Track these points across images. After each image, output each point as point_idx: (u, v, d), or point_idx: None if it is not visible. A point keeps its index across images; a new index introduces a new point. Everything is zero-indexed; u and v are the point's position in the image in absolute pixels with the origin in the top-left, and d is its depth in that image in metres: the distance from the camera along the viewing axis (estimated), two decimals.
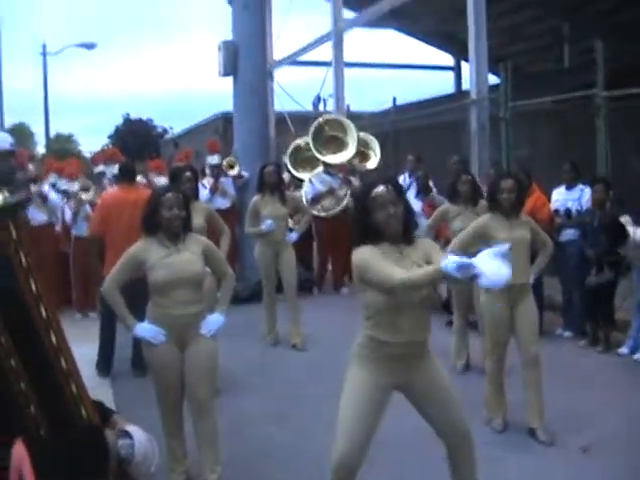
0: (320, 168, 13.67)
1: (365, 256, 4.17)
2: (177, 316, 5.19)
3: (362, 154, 14.20)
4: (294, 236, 9.78)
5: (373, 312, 4.25)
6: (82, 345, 8.56)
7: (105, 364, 8.67)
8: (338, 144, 13.61)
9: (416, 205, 10.52)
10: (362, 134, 14.27)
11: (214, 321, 5.38)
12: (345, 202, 13.07)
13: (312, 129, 13.62)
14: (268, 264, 9.59)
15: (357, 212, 4.54)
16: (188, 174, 7.76)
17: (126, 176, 9.02)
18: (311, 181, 13.50)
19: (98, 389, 7.35)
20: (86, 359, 8.26)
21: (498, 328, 6.35)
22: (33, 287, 1.79)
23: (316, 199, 13.21)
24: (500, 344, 6.40)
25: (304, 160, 14.15)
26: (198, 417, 5.32)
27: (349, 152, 13.51)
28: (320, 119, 14.03)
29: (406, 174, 12.67)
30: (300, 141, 14.31)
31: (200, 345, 5.29)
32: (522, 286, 6.26)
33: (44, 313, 1.82)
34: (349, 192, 13.03)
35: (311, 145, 13.44)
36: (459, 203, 8.34)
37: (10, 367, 1.86)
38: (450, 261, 3.64)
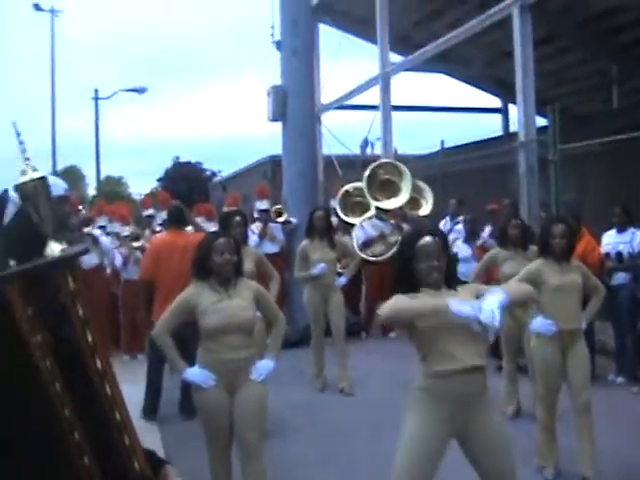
0: (371, 212, 13.67)
1: (393, 303, 4.22)
2: (227, 361, 5.20)
3: (414, 200, 14.16)
4: (343, 280, 9.80)
5: (427, 347, 4.24)
6: (129, 387, 8.64)
7: (152, 408, 8.71)
8: (392, 189, 13.59)
9: (465, 250, 10.50)
10: (415, 180, 14.23)
11: (264, 366, 5.40)
12: (395, 248, 13.05)
13: (367, 173, 13.62)
14: (317, 308, 9.60)
15: (400, 259, 4.56)
16: (238, 219, 7.84)
17: (175, 221, 9.10)
18: (362, 226, 13.49)
19: (146, 432, 7.39)
20: (133, 401, 8.32)
21: (549, 374, 6.28)
22: (89, 338, 1.81)
23: (367, 244, 13.19)
24: (552, 390, 6.32)
25: (354, 205, 14.14)
26: (247, 461, 5.32)
27: (402, 197, 13.48)
28: (375, 163, 14.03)
29: (447, 218, 12.65)
30: (349, 187, 14.34)
31: (250, 389, 5.30)
32: (574, 331, 6.21)
33: (99, 364, 1.84)
34: (400, 239, 13.01)
35: (365, 189, 13.44)
36: (509, 247, 8.29)
37: (64, 417, 1.88)
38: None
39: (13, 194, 1.98)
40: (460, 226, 12.31)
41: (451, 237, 11.73)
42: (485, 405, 4.34)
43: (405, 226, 13.36)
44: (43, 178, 1.79)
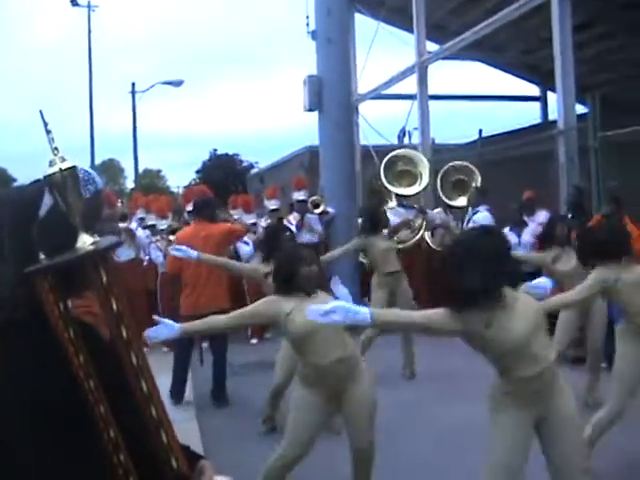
0: (392, 203, 13.67)
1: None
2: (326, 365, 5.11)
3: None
4: None
5: (503, 359, 4.16)
6: (167, 379, 8.69)
7: (178, 390, 8.75)
8: (411, 177, 13.58)
9: (512, 238, 10.42)
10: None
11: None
12: (421, 232, 13.03)
13: (382, 164, 13.63)
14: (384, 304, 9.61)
15: (451, 265, 4.33)
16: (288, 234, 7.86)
17: (199, 213, 9.17)
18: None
19: (184, 424, 7.41)
20: (167, 392, 8.40)
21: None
22: (124, 333, 1.77)
23: (392, 231, 13.16)
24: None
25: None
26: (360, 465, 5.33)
27: (422, 183, 13.48)
28: (389, 156, 14.04)
29: (470, 208, 12.56)
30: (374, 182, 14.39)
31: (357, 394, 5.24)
32: None
33: (135, 360, 1.80)
34: (424, 222, 13.00)
35: (382, 179, 13.45)
36: (555, 246, 8.14)
37: (99, 414, 1.85)
38: None
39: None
40: (479, 215, 12.11)
41: (470, 226, 11.64)
42: (558, 390, 4.25)
43: (432, 211, 13.37)
44: (72, 168, 1.75)
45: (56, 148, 1.73)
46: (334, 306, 3.94)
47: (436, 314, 4.11)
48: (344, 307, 3.94)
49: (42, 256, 1.77)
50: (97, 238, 1.78)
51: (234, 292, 12.52)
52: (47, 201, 1.91)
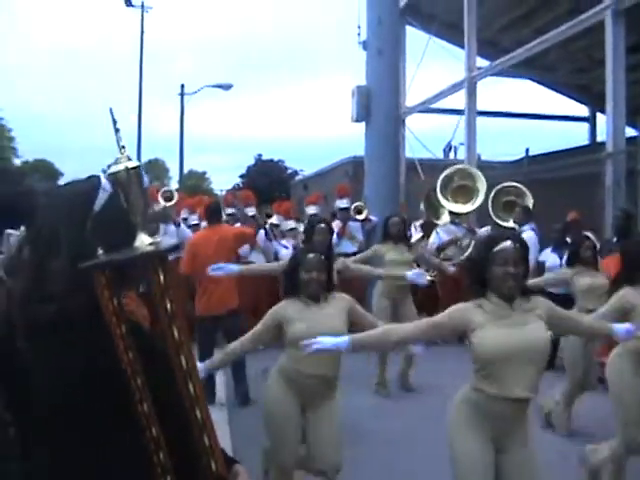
0: (445, 219, 13.58)
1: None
2: (307, 375, 5.14)
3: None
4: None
5: (481, 364, 4.12)
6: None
7: (208, 391, 8.83)
8: (467, 194, 13.45)
9: (553, 259, 10.34)
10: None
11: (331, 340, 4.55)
12: (469, 252, 12.94)
13: (441, 179, 13.52)
14: (386, 313, 9.51)
15: (476, 261, 4.38)
16: (322, 226, 7.61)
17: (212, 217, 9.39)
18: (437, 232, 13.41)
19: (217, 426, 7.41)
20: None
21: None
22: (175, 334, 1.79)
23: (440, 248, 13.11)
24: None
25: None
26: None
27: (477, 202, 13.34)
28: (450, 169, 13.91)
29: (516, 227, 12.48)
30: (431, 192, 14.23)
31: (326, 408, 5.25)
32: None
33: (184, 362, 1.81)
34: (473, 242, 12.92)
35: (439, 194, 13.35)
36: (579, 265, 8.06)
37: (143, 412, 1.86)
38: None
39: (105, 181, 1.97)
40: (523, 235, 12.01)
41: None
42: (524, 433, 4.20)
43: (480, 230, 13.24)
44: (137, 168, 1.77)
45: (123, 146, 1.75)
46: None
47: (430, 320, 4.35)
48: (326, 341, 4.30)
49: (100, 252, 1.79)
50: (157, 239, 1.80)
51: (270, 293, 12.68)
52: (102, 196, 1.94)
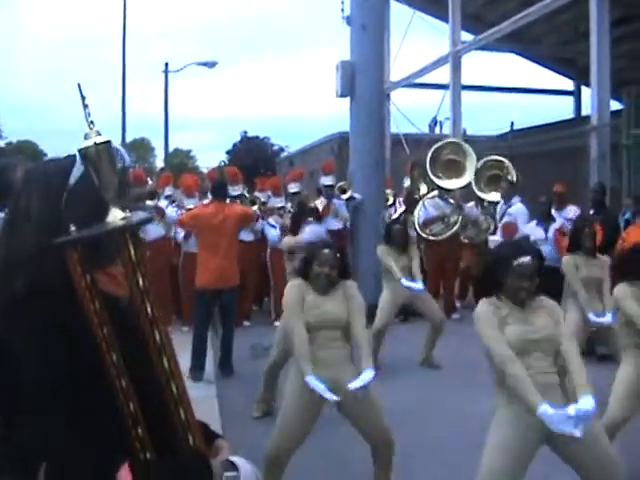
0: (433, 192, 13.55)
1: (481, 316, 4.29)
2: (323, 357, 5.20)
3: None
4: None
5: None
6: (183, 356, 8.75)
7: (198, 366, 8.91)
8: (456, 169, 13.39)
9: (538, 232, 10.34)
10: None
11: (367, 378, 5.09)
12: (455, 228, 12.92)
13: (430, 153, 13.46)
14: (391, 311, 9.50)
15: (492, 268, 4.48)
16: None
17: (218, 194, 9.54)
18: (424, 205, 13.39)
19: (204, 401, 7.45)
20: (186, 372, 8.44)
21: None
22: (149, 310, 1.79)
23: (427, 223, 13.11)
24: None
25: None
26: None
27: (466, 178, 13.28)
28: (440, 143, 13.85)
29: (502, 202, 12.46)
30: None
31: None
32: None
33: (158, 337, 1.81)
34: (460, 219, 12.89)
35: (427, 169, 13.30)
36: (580, 254, 8.08)
37: (120, 387, 1.87)
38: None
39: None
40: (513, 208, 12.01)
41: (505, 219, 11.57)
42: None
43: (465, 206, 13.21)
44: (107, 142, 1.77)
45: (92, 122, 1.75)
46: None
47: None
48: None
49: (72, 228, 1.79)
50: (128, 213, 1.80)
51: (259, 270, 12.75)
52: (76, 172, 1.94)
